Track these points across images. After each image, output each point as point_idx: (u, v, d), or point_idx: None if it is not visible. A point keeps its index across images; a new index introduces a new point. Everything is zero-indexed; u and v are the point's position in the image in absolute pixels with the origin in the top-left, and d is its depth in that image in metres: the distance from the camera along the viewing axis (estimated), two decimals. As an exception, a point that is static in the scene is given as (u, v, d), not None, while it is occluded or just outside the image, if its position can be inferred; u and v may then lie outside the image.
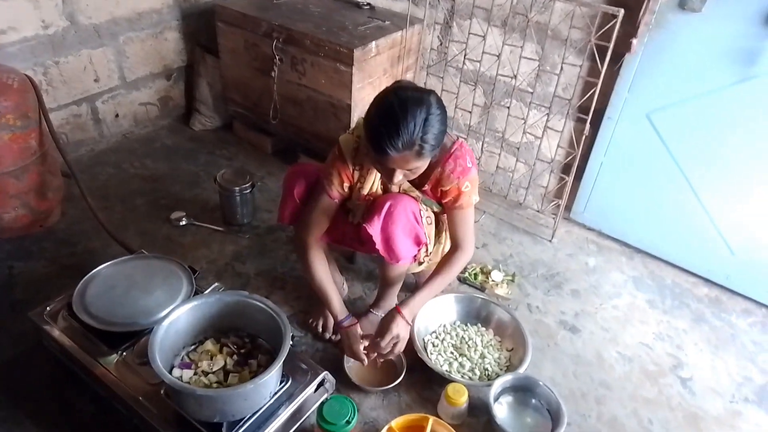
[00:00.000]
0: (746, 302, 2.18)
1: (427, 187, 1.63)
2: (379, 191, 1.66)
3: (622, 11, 1.90)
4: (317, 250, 1.70)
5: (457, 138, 1.59)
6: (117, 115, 2.81)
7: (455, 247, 1.69)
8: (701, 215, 2.16)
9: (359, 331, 1.67)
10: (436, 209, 1.70)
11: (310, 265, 1.68)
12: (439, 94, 1.43)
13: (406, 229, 1.58)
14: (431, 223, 1.69)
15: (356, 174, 1.63)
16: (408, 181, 1.61)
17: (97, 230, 2.10)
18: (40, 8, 2.30)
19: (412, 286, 2.01)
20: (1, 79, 1.89)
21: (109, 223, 2.10)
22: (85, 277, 1.62)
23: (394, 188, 1.62)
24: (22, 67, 2.27)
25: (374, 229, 1.56)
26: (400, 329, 1.60)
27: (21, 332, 1.75)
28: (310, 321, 1.89)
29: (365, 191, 1.64)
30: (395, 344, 1.62)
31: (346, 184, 1.64)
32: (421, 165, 1.44)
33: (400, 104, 1.34)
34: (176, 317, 1.42)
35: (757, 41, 1.82)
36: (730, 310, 2.14)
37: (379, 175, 1.60)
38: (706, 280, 2.25)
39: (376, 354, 1.64)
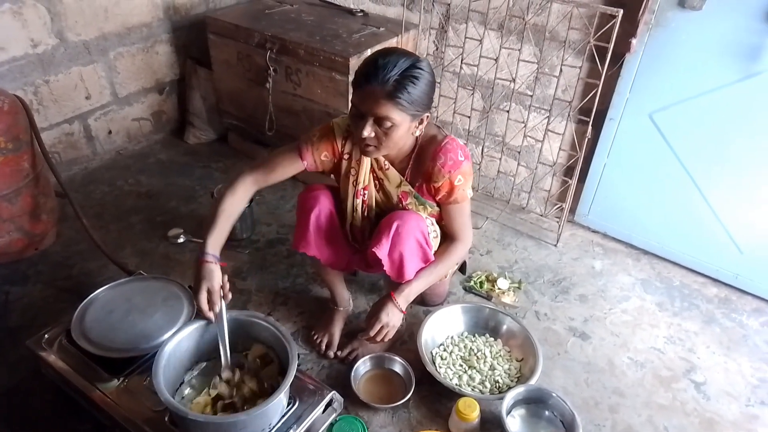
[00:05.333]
0: (757, 301, 2.14)
1: (423, 186, 1.58)
2: (372, 187, 1.62)
3: (621, 11, 1.87)
4: (245, 187, 1.54)
5: (449, 134, 1.56)
6: (110, 132, 2.77)
7: (453, 238, 1.65)
8: (708, 214, 2.13)
9: (219, 274, 1.41)
10: (432, 210, 1.64)
11: (227, 193, 1.50)
12: (436, 99, 1.40)
13: (414, 250, 1.55)
14: (437, 237, 1.65)
15: (342, 150, 1.59)
16: (404, 178, 1.58)
17: (93, 251, 2.06)
18: (28, 27, 2.26)
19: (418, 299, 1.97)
20: (-10, 102, 1.85)
21: (105, 242, 2.06)
22: (83, 302, 1.57)
23: (369, 151, 1.45)
24: (12, 87, 2.23)
25: (382, 252, 1.52)
26: (390, 317, 1.55)
27: (18, 360, 1.71)
28: (314, 337, 1.85)
29: (360, 185, 1.61)
30: (385, 331, 1.56)
31: (326, 156, 1.58)
32: (394, 119, 1.35)
33: (386, 50, 1.40)
34: (178, 342, 1.38)
35: (759, 37, 1.80)
36: (740, 310, 2.11)
37: (369, 165, 1.57)
38: (715, 280, 2.22)
39: (368, 336, 1.57)
